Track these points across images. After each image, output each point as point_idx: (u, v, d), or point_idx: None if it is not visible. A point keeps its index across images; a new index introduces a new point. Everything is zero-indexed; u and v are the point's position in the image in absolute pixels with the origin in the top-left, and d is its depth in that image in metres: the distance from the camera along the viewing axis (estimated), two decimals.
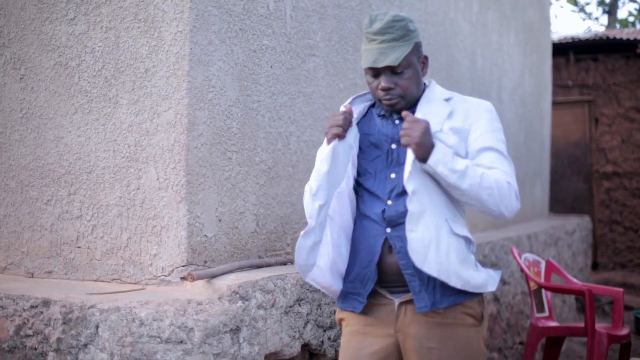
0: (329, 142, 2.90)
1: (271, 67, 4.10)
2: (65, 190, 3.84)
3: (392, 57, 2.78)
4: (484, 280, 2.86)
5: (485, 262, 6.08)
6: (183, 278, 3.47)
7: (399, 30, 2.80)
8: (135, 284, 3.65)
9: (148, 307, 3.14)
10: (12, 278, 3.90)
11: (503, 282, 6.53)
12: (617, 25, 21.20)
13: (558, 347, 6.02)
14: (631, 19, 22.24)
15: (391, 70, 2.83)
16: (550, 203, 10.82)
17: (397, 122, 2.93)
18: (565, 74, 12.75)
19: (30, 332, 3.26)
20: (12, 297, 3.33)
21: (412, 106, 2.92)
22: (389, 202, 2.86)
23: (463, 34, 7.12)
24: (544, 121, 10.17)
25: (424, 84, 3.02)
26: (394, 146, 2.89)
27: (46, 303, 3.24)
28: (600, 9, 23.10)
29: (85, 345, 3.15)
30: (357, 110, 3.02)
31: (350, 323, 2.97)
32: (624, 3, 25.77)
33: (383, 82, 2.84)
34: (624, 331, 5.69)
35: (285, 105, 4.20)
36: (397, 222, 2.83)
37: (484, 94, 7.66)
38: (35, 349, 3.25)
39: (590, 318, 5.39)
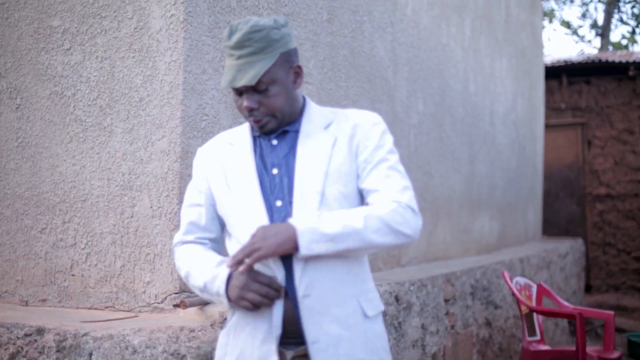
0: (236, 304, 2.42)
1: None
2: (60, 218, 3.88)
3: (250, 76, 2.35)
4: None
5: (477, 286, 6.12)
6: (176, 305, 3.50)
7: (258, 42, 2.37)
8: (128, 311, 3.68)
9: (141, 334, 3.16)
10: (6, 306, 3.92)
11: (495, 306, 6.57)
12: (610, 48, 21.33)
13: None
14: (624, 41, 22.38)
15: (253, 88, 2.40)
16: (543, 226, 10.88)
17: (274, 142, 2.52)
18: (558, 97, 12.82)
19: None
20: (6, 325, 3.34)
21: (292, 124, 2.53)
22: None
23: (455, 59, 7.19)
24: (536, 145, 10.24)
25: (303, 97, 2.61)
26: (275, 171, 2.47)
27: (40, 331, 3.26)
28: (593, 32, 23.24)
29: None
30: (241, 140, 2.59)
31: None
32: (616, 26, 25.88)
33: (245, 101, 2.42)
34: (615, 354, 5.72)
35: None
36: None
37: (476, 118, 7.73)
38: None
39: (581, 341, 5.43)
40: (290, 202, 2.42)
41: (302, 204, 2.40)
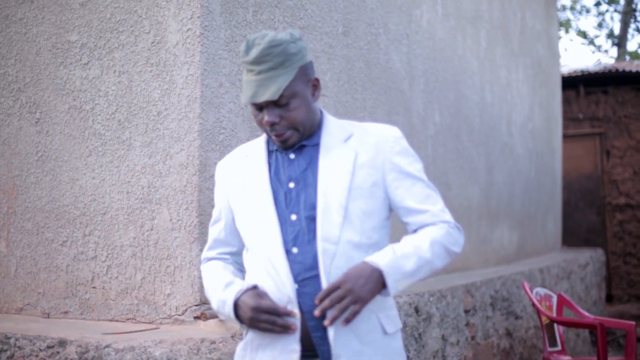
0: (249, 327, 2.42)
1: None
2: (81, 231, 3.91)
3: (271, 91, 2.36)
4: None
5: (496, 297, 6.11)
6: (196, 317, 3.52)
7: (277, 56, 2.37)
8: (149, 323, 3.70)
9: (162, 346, 3.18)
10: (28, 318, 3.94)
11: (515, 316, 6.55)
12: (627, 58, 21.27)
13: None
14: None
15: (274, 103, 2.39)
16: (563, 236, 10.83)
17: (292, 156, 2.51)
18: (576, 107, 12.79)
19: None
20: (29, 337, 3.37)
21: (310, 137, 2.52)
22: (294, 250, 2.40)
23: (471, 70, 7.19)
24: (554, 155, 10.21)
25: (320, 110, 2.59)
26: (291, 185, 2.47)
27: (62, 343, 3.28)
28: (610, 42, 23.19)
29: None
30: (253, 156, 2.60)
31: None
32: (633, 35, 25.83)
33: (266, 116, 2.41)
34: None
35: None
36: (305, 276, 2.38)
37: (493, 129, 7.72)
38: None
39: (602, 352, 5.40)
40: (306, 217, 2.43)
41: (327, 219, 2.40)
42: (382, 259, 2.34)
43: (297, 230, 2.42)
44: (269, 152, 2.57)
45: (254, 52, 2.37)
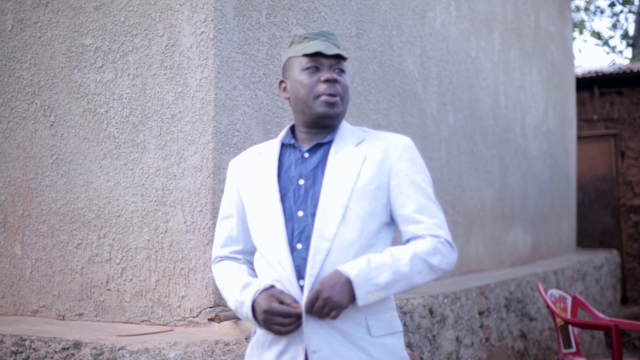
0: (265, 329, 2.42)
1: None
2: (95, 234, 3.92)
3: (340, 49, 2.52)
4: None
5: (511, 298, 6.09)
6: (211, 319, 3.52)
7: (337, 41, 2.58)
8: (164, 325, 3.70)
9: (177, 348, 3.18)
10: (43, 320, 3.96)
11: (530, 318, 6.53)
12: None
13: None
14: None
15: (336, 65, 2.52)
16: (578, 237, 10.79)
17: (306, 155, 2.56)
18: (590, 108, 12.75)
19: None
20: (44, 339, 3.38)
21: (326, 136, 2.58)
22: (299, 246, 2.43)
23: (485, 72, 7.18)
24: (569, 156, 10.18)
25: None
26: (301, 182, 2.50)
27: (77, 345, 3.30)
28: (624, 43, 23.08)
29: None
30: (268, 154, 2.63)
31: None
32: None
33: (327, 74, 2.48)
34: None
35: None
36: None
37: (507, 130, 7.70)
38: None
39: (617, 353, 5.38)
40: (313, 214, 2.45)
41: (324, 217, 2.42)
42: (354, 268, 2.34)
43: (302, 226, 2.45)
44: (282, 148, 2.61)
45: (317, 30, 2.52)
